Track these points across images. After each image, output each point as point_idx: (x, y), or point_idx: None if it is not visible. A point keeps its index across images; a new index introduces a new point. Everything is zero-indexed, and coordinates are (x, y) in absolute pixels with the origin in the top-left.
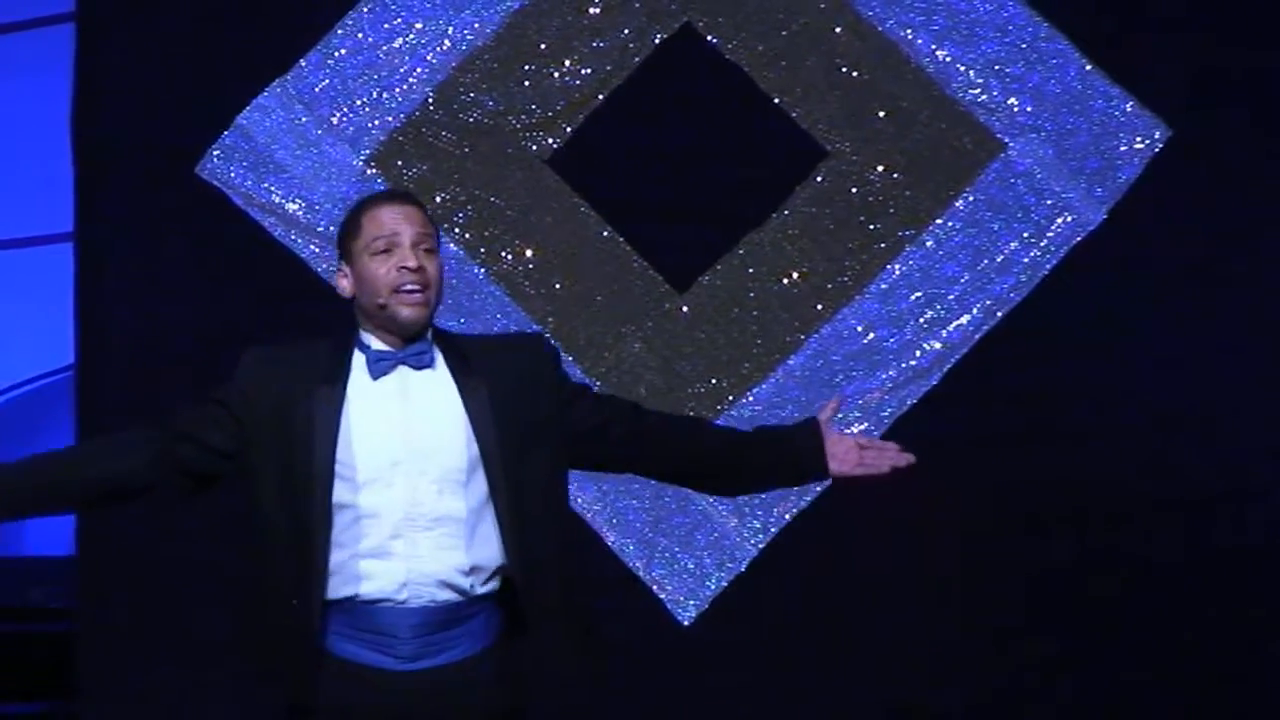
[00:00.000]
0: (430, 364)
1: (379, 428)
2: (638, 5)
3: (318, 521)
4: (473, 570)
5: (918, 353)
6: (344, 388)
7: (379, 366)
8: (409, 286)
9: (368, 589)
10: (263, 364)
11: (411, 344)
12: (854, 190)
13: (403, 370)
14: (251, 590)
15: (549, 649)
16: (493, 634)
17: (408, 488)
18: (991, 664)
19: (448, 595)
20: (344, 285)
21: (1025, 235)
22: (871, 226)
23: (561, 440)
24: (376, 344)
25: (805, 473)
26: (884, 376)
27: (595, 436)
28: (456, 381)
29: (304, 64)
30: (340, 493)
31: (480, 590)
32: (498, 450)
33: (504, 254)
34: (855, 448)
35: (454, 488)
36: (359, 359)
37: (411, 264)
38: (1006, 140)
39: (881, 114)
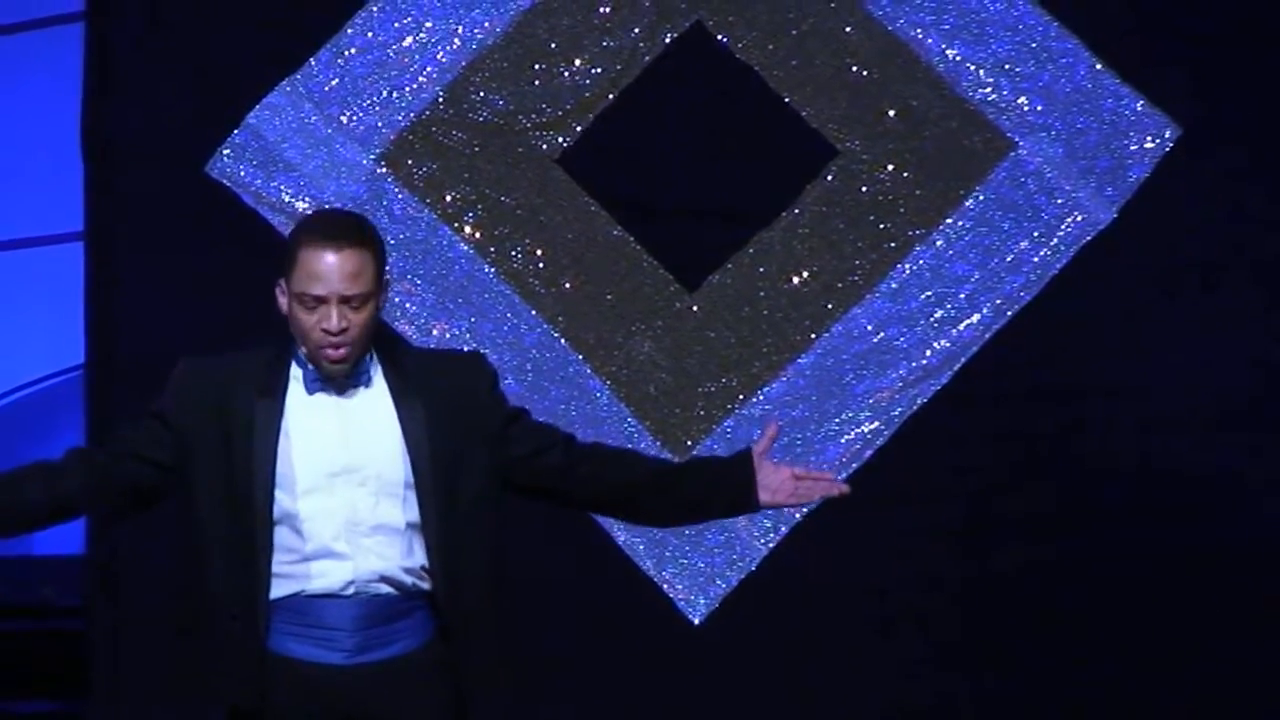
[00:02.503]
0: (367, 382)
1: (316, 439)
2: (648, 4)
3: (260, 530)
4: (412, 571)
5: (928, 352)
6: (282, 399)
7: (315, 385)
8: (328, 346)
9: (314, 586)
10: (196, 376)
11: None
12: (864, 189)
13: (339, 385)
14: (189, 600)
15: (462, 666)
16: (431, 629)
17: (347, 497)
18: (991, 664)
19: (389, 590)
20: (282, 302)
21: (1035, 234)
22: (881, 225)
23: (497, 462)
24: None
25: (734, 505)
26: (894, 375)
27: (529, 461)
28: (393, 398)
29: (314, 63)
30: (281, 501)
31: (421, 586)
32: (429, 468)
33: (514, 253)
34: (790, 478)
35: (391, 500)
36: (296, 372)
37: (333, 327)
38: (1016, 139)
39: (891, 113)
